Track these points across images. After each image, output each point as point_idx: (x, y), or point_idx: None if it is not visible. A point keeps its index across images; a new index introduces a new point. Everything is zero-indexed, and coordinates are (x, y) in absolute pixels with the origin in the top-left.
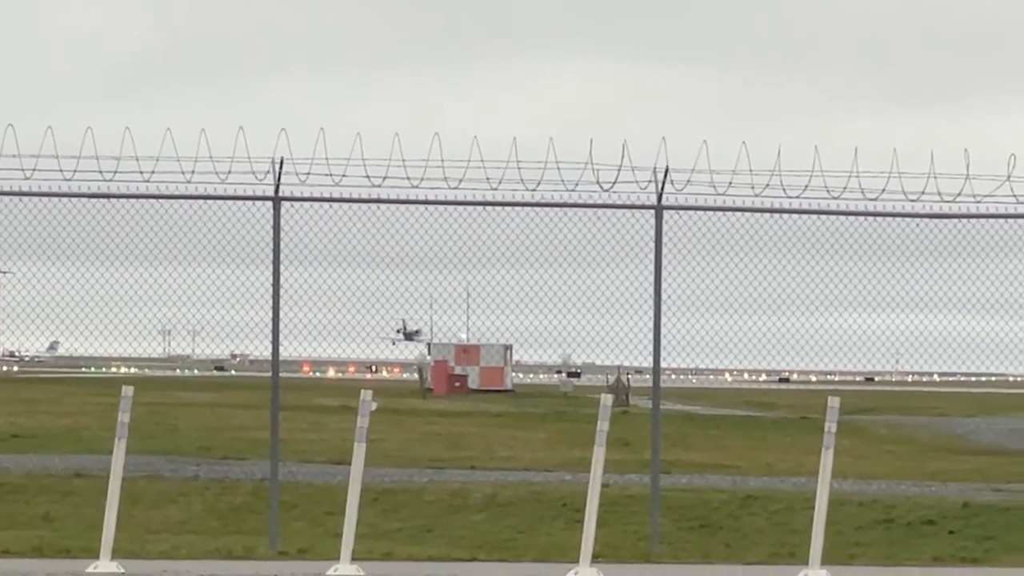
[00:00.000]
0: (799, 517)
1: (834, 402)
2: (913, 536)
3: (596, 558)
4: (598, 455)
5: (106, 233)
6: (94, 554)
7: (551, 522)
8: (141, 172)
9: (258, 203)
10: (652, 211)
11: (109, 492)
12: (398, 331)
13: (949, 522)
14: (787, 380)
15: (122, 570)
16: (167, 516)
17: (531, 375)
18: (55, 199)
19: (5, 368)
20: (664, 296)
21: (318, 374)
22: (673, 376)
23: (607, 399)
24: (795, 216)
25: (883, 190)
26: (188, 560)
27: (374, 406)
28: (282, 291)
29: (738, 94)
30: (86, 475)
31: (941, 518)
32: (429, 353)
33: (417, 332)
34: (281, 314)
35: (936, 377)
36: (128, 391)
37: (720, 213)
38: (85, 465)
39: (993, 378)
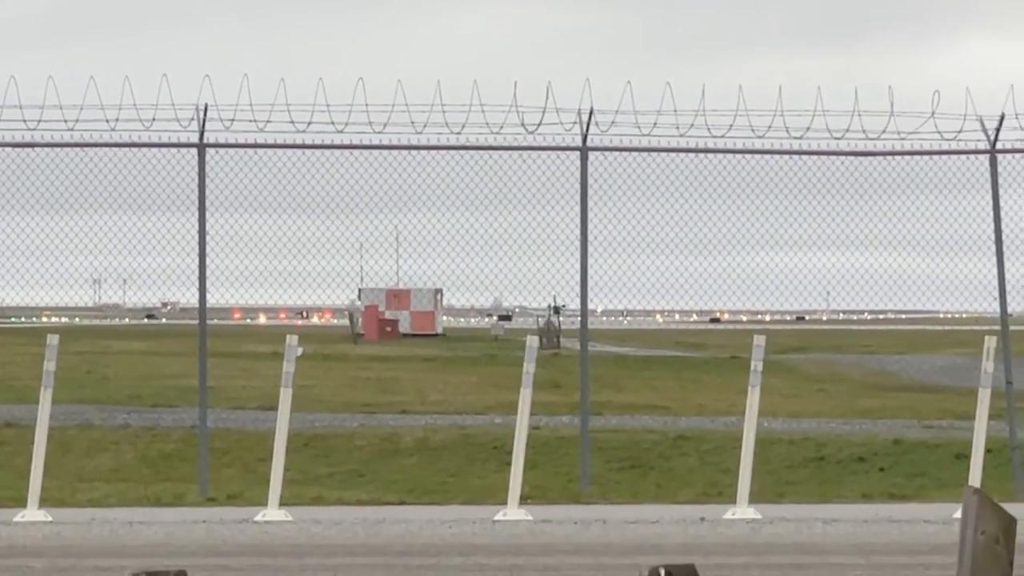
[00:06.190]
0: (730, 456)
1: (759, 340)
2: (844, 473)
3: (525, 499)
4: (524, 397)
5: (31, 182)
6: (23, 503)
7: (482, 465)
8: (65, 121)
9: (183, 150)
10: (577, 152)
11: (35, 441)
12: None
13: (880, 459)
14: (718, 320)
15: (50, 518)
16: (98, 464)
17: (462, 319)
18: None
19: None
20: (591, 237)
21: (249, 321)
22: (604, 318)
23: (533, 341)
24: (721, 155)
25: (808, 128)
26: (117, 508)
27: (301, 351)
28: (209, 238)
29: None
30: (17, 425)
31: (872, 455)
32: (359, 298)
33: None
34: (209, 261)
35: (866, 315)
36: (53, 340)
37: (646, 153)
38: (15, 415)
39: (923, 315)
